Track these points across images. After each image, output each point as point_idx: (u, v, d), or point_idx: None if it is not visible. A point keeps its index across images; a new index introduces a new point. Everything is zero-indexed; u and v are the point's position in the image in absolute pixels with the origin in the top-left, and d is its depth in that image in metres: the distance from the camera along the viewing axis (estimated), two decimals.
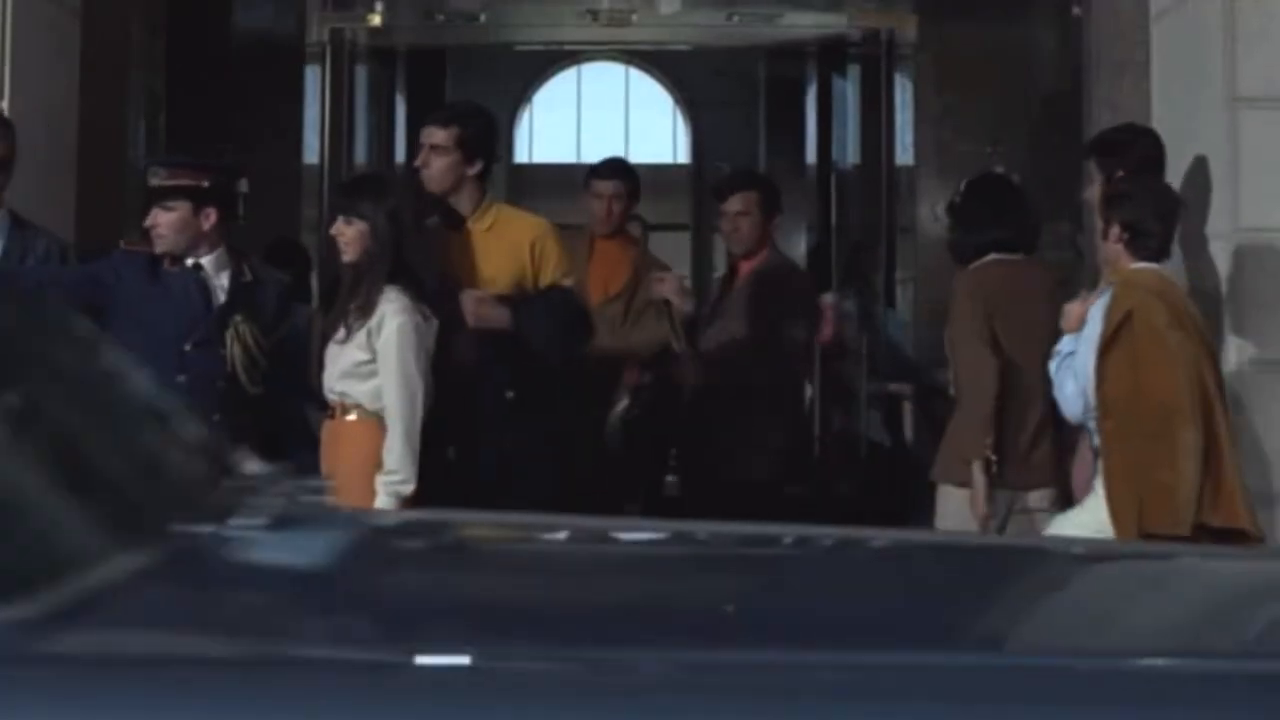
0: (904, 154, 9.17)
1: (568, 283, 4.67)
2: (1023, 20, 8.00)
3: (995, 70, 8.26)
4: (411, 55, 10.82)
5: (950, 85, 8.57)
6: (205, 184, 4.34)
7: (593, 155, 6.44)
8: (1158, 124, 5.22)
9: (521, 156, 17.07)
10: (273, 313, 4.46)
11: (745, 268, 5.61)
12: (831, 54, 10.52)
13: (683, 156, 17.34)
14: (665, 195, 12.57)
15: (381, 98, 10.21)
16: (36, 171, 4.68)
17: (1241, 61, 4.77)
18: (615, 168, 6.03)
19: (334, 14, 8.49)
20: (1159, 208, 4.39)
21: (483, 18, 10.01)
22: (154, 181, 4.35)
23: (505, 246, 4.59)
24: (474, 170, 4.58)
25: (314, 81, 8.64)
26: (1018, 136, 8.17)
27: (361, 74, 9.33)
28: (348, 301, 4.28)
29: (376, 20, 8.75)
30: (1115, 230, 4.32)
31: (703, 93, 16.40)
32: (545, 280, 4.58)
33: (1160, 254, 4.32)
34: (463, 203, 4.60)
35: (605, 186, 5.80)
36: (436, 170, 4.56)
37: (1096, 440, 4.19)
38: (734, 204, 5.61)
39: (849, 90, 10.36)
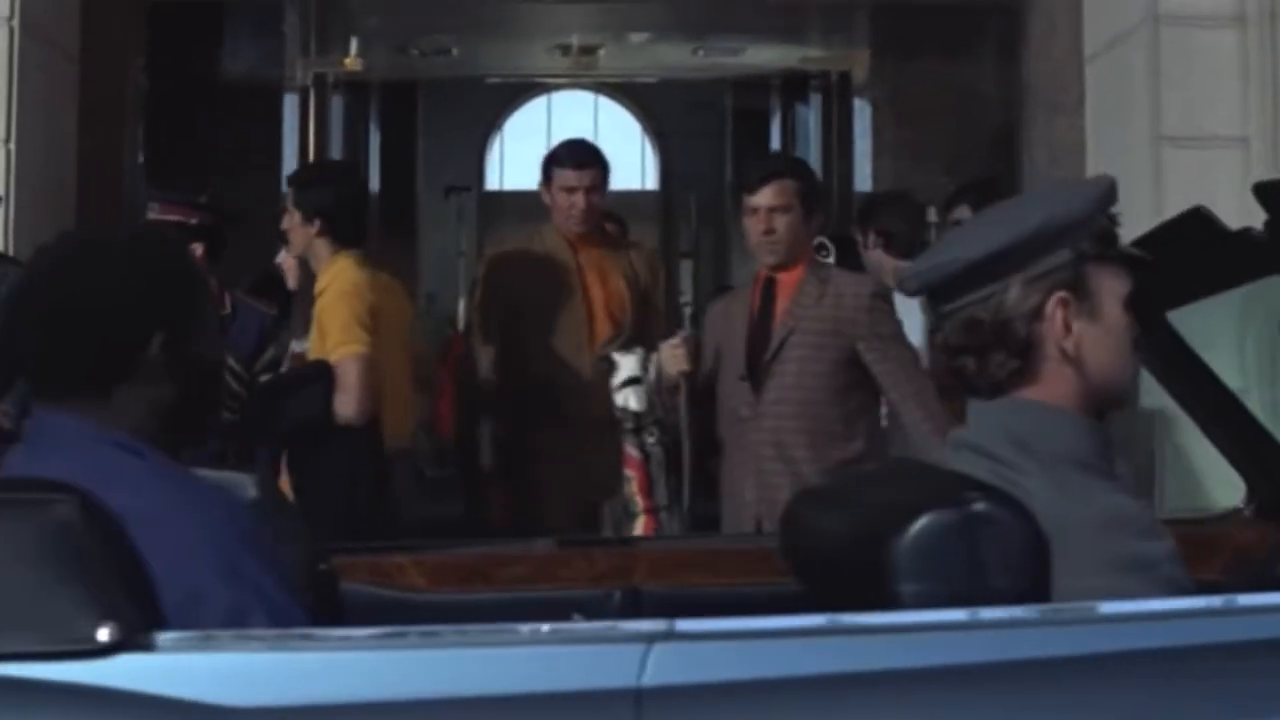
0: (863, 182, 9.48)
1: (334, 356, 4.20)
2: (973, 57, 8.32)
3: (947, 104, 8.60)
4: (385, 87, 11.11)
5: (905, 118, 8.91)
6: (194, 221, 4.61)
7: None
8: (1091, 160, 5.53)
9: (492, 184, 17.29)
10: (252, 344, 4.63)
11: (787, 281, 4.24)
12: (793, 86, 10.85)
13: (651, 183, 17.61)
14: (634, 221, 12.78)
15: (356, 128, 10.49)
16: (38, 207, 4.91)
17: (1165, 101, 5.07)
18: (586, 153, 4.85)
19: (317, 60, 8.78)
20: (905, 214, 5.28)
21: (455, 51, 10.32)
22: (149, 216, 4.62)
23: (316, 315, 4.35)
24: (314, 229, 4.34)
25: (292, 115, 8.93)
26: (971, 167, 8.51)
27: (337, 106, 9.61)
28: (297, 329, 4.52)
29: (358, 65, 9.05)
30: (872, 238, 5.18)
31: (671, 121, 16.65)
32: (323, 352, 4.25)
33: (909, 253, 4.86)
34: (317, 265, 4.38)
35: (577, 177, 4.74)
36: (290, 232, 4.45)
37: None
38: (765, 197, 4.18)
39: (811, 122, 10.70)
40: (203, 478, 1.90)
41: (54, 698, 1.48)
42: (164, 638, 1.53)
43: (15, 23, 4.82)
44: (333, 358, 4.18)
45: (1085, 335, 2.07)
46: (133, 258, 1.91)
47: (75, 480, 1.66)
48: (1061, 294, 2.06)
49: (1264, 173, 4.92)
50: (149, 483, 1.79)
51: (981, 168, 8.25)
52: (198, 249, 4.49)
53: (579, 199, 4.72)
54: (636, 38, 10.11)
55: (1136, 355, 2.17)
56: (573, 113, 17.23)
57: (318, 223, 4.35)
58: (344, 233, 4.35)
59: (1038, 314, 2.06)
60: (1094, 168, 5.48)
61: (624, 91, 16.52)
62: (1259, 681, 1.61)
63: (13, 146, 4.79)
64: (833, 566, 1.98)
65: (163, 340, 1.87)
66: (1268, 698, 1.60)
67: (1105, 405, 2.14)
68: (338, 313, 4.22)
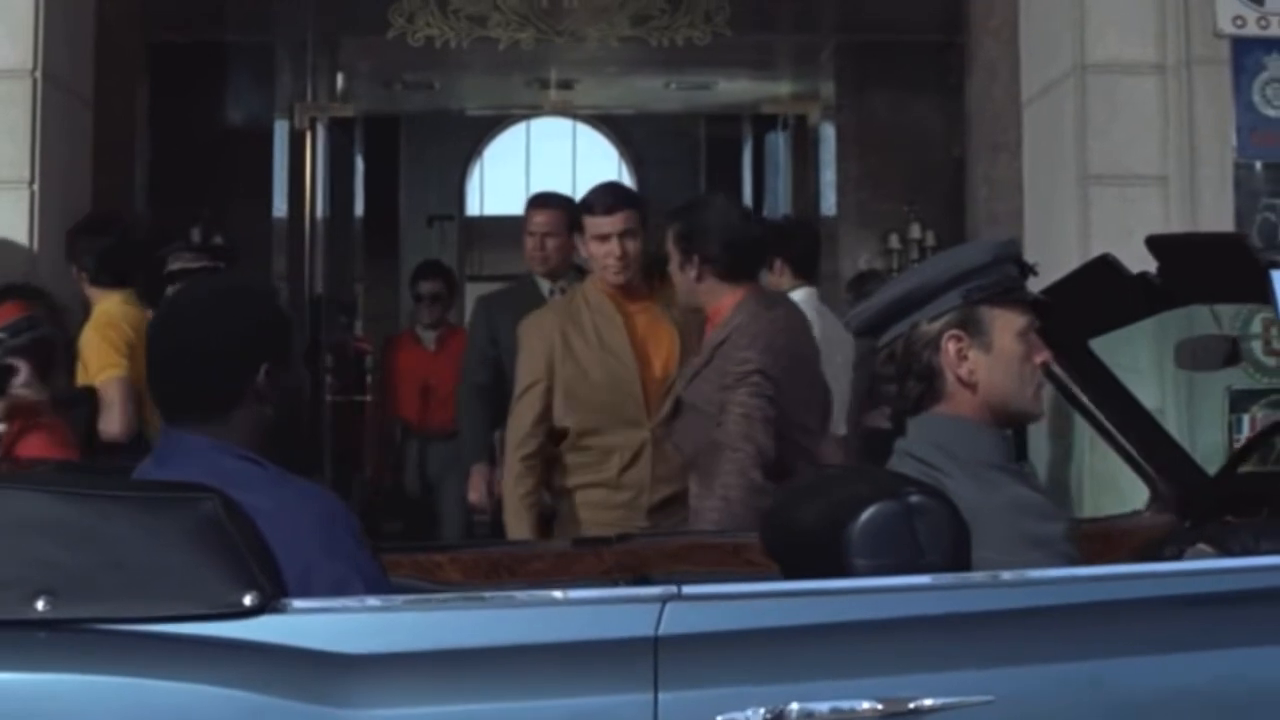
0: (829, 209, 9.88)
1: (98, 381, 4.58)
2: (930, 95, 8.72)
3: (906, 139, 9.02)
4: (368, 120, 11.48)
5: (867, 150, 9.34)
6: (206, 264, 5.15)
7: None
8: (1028, 198, 5.90)
9: (473, 210, 17.55)
10: None
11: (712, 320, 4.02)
12: (764, 118, 11.24)
13: None
14: None
15: (341, 160, 10.85)
16: (59, 241, 5.29)
17: (1091, 143, 5.43)
18: (616, 196, 4.37)
19: (311, 105, 9.17)
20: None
21: (436, 85, 10.69)
22: (173, 266, 5.19)
23: None
24: (84, 278, 4.98)
25: (282, 148, 9.31)
26: (927, 198, 8.96)
27: (323, 139, 9.97)
28: None
29: (349, 112, 9.46)
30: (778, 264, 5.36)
31: (647, 150, 16.91)
32: None
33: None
34: (93, 309, 4.91)
35: (610, 223, 4.28)
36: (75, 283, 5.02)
37: None
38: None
39: (780, 152, 11.09)
40: (305, 481, 2.35)
41: (211, 650, 1.93)
42: (293, 603, 1.98)
43: (39, 74, 5.19)
44: (96, 382, 4.55)
45: (980, 363, 2.54)
46: (241, 305, 2.38)
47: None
48: (954, 331, 2.53)
49: (1181, 208, 5.33)
50: (266, 485, 2.25)
51: (941, 197, 8.72)
52: None
53: (613, 246, 4.24)
54: (611, 72, 10.45)
55: (1040, 378, 2.62)
56: (551, 140, 17.46)
57: (85, 272, 4.87)
58: (107, 278, 4.83)
59: (936, 347, 2.53)
60: (1029, 204, 5.85)
61: (601, 120, 16.77)
62: (1131, 627, 2.10)
63: (36, 188, 5.15)
64: (803, 546, 2.47)
65: (266, 370, 2.32)
66: (1139, 639, 2.09)
67: (1009, 419, 2.60)
68: (95, 343, 4.60)
